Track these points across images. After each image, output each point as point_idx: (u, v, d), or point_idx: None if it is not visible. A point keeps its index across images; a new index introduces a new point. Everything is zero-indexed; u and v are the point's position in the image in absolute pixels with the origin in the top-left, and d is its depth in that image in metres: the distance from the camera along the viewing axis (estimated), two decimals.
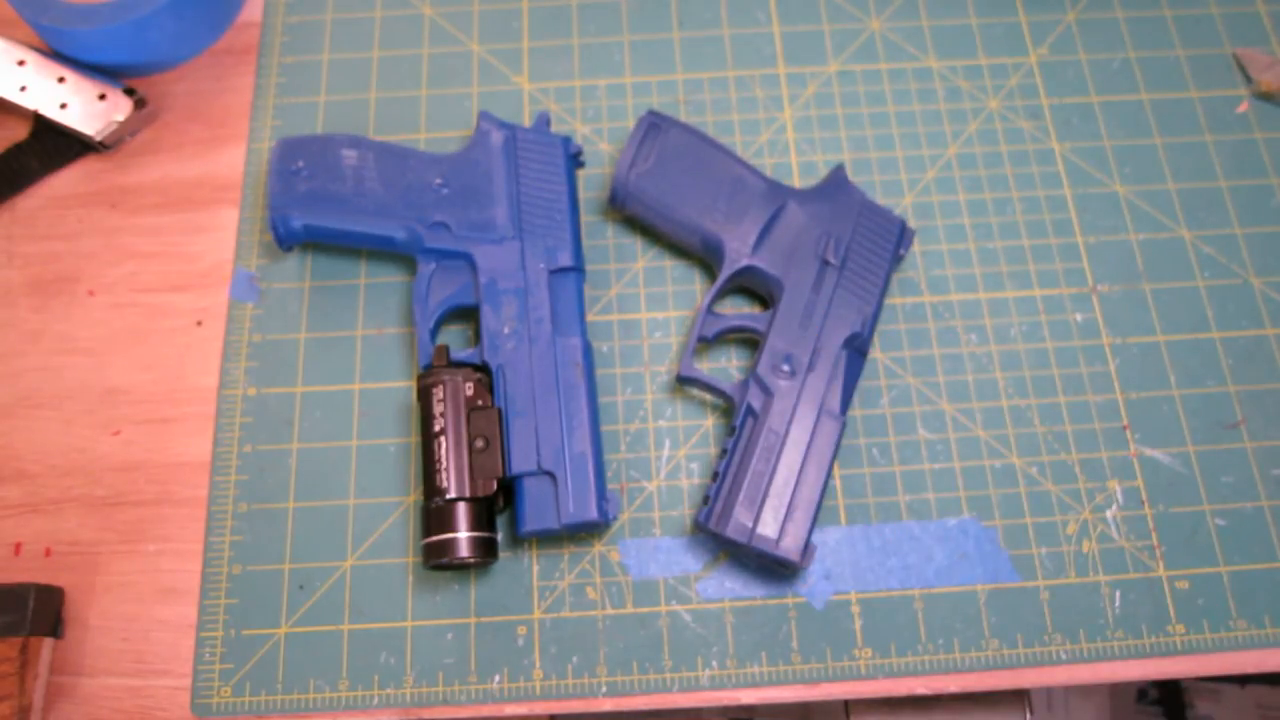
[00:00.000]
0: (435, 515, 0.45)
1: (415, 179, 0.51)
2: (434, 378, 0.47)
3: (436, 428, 0.46)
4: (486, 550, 0.45)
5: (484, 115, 0.53)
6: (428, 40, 0.60)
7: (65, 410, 0.52)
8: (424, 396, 0.47)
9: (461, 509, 0.45)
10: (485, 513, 0.46)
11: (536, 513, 0.45)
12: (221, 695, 0.46)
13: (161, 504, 0.50)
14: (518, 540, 0.48)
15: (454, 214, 0.51)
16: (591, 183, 0.56)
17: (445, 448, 0.46)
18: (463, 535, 0.45)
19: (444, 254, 0.50)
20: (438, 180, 0.51)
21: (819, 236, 0.50)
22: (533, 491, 0.46)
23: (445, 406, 0.46)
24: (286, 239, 0.51)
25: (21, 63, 0.57)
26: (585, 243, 0.54)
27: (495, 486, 0.46)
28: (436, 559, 0.45)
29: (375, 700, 0.46)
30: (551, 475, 0.46)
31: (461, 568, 0.47)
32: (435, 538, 0.45)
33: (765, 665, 0.46)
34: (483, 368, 0.48)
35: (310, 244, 0.54)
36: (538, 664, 0.46)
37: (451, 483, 0.45)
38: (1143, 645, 0.46)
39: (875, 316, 0.50)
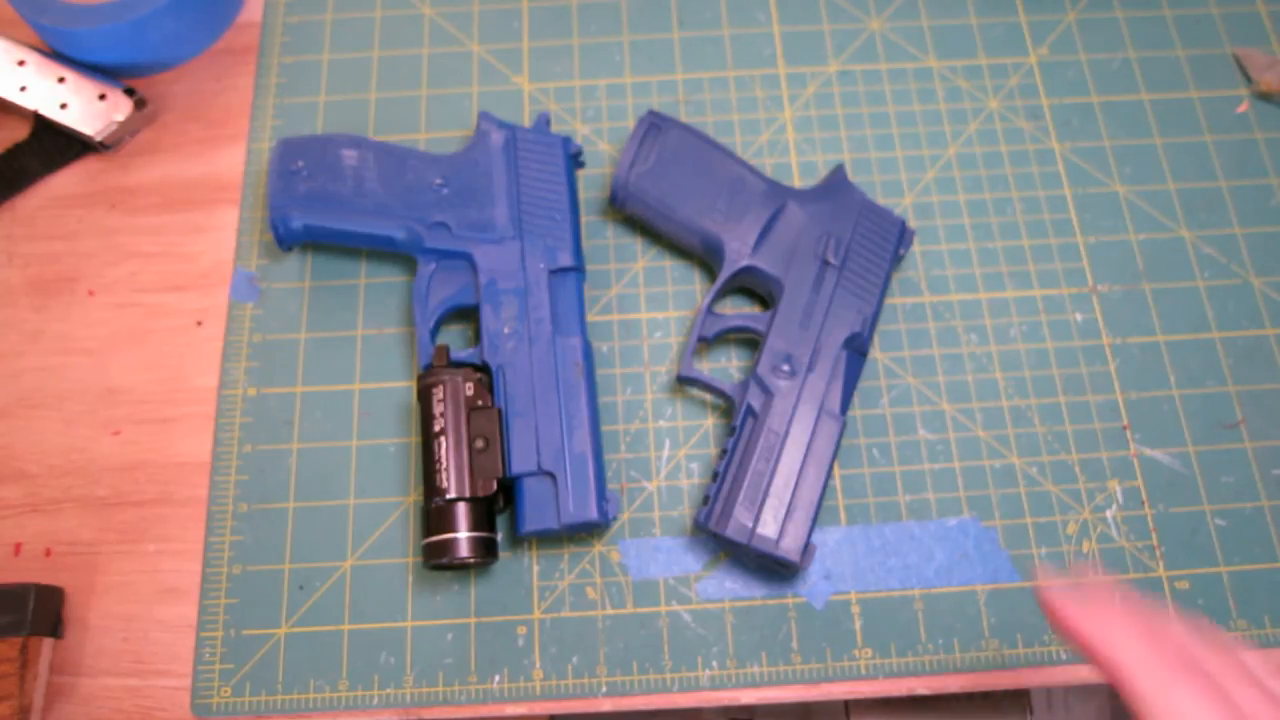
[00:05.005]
0: (435, 515, 0.45)
1: (415, 179, 0.51)
2: (434, 378, 0.47)
3: (436, 428, 0.46)
4: (486, 550, 0.45)
5: (484, 115, 0.53)
6: (428, 40, 0.60)
7: (65, 410, 0.52)
8: (424, 396, 0.47)
9: (461, 509, 0.45)
10: (485, 513, 0.46)
11: (536, 513, 0.45)
12: (221, 695, 0.46)
13: (161, 504, 0.50)
14: (518, 540, 0.48)
15: (454, 214, 0.51)
16: (591, 183, 0.56)
17: (445, 448, 0.46)
18: (463, 535, 0.45)
19: (444, 254, 0.50)
20: (438, 180, 0.51)
21: (819, 236, 0.50)
22: (533, 491, 0.46)
23: (445, 406, 0.46)
24: (286, 239, 0.51)
25: (21, 63, 0.57)
26: (585, 243, 0.54)
27: (495, 486, 0.46)
28: (436, 559, 0.45)
29: (375, 700, 0.46)
30: (551, 475, 0.46)
31: (461, 568, 0.47)
32: (435, 538, 0.45)
33: (765, 665, 0.46)
34: (483, 368, 0.48)
35: (310, 244, 0.54)
36: (538, 664, 0.46)
37: (451, 483, 0.45)
38: None
39: (875, 317, 0.50)
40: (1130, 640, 0.32)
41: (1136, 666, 0.32)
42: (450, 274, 0.51)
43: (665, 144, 0.52)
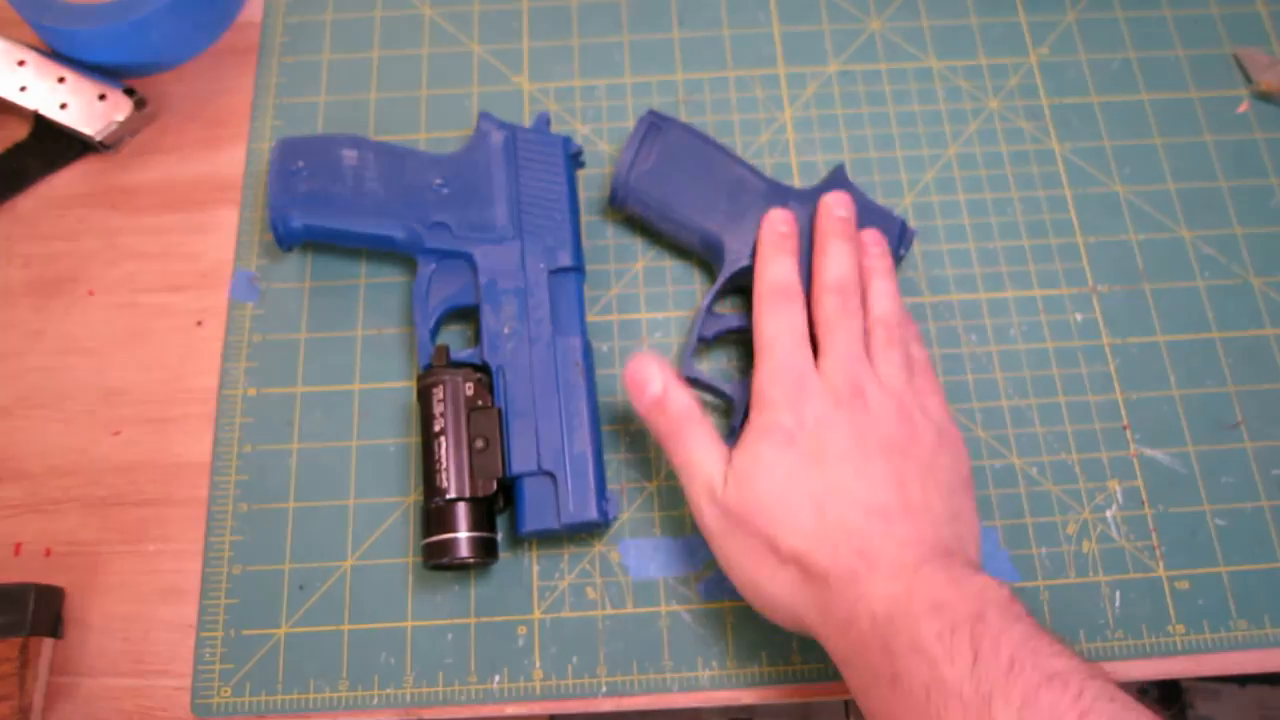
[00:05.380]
0: (435, 515, 0.45)
1: (415, 179, 0.51)
2: (434, 378, 0.47)
3: (436, 428, 0.46)
4: (486, 550, 0.45)
5: (484, 115, 0.53)
6: (428, 40, 0.60)
7: (65, 410, 0.52)
8: (424, 396, 0.47)
9: (461, 509, 0.45)
10: (485, 513, 0.46)
11: (536, 513, 0.45)
12: (222, 695, 0.46)
13: (161, 504, 0.50)
14: (518, 540, 0.48)
15: (454, 214, 0.51)
16: (591, 183, 0.56)
17: (445, 448, 0.46)
18: (463, 535, 0.45)
19: (444, 254, 0.50)
20: (438, 180, 0.51)
21: None
22: (533, 491, 0.46)
23: (445, 406, 0.46)
24: (286, 239, 0.51)
25: (21, 63, 0.57)
26: (585, 243, 0.54)
27: (495, 486, 0.46)
28: (436, 559, 0.45)
29: (375, 700, 0.46)
30: (551, 475, 0.46)
31: (461, 568, 0.47)
32: (435, 538, 0.45)
33: (765, 665, 0.46)
34: (483, 368, 0.48)
35: (310, 244, 0.54)
36: (538, 664, 0.46)
37: (451, 483, 0.45)
38: (1143, 645, 0.46)
39: None
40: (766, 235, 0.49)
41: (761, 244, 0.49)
42: (450, 274, 0.51)
43: (666, 144, 0.52)
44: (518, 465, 0.46)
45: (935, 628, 0.34)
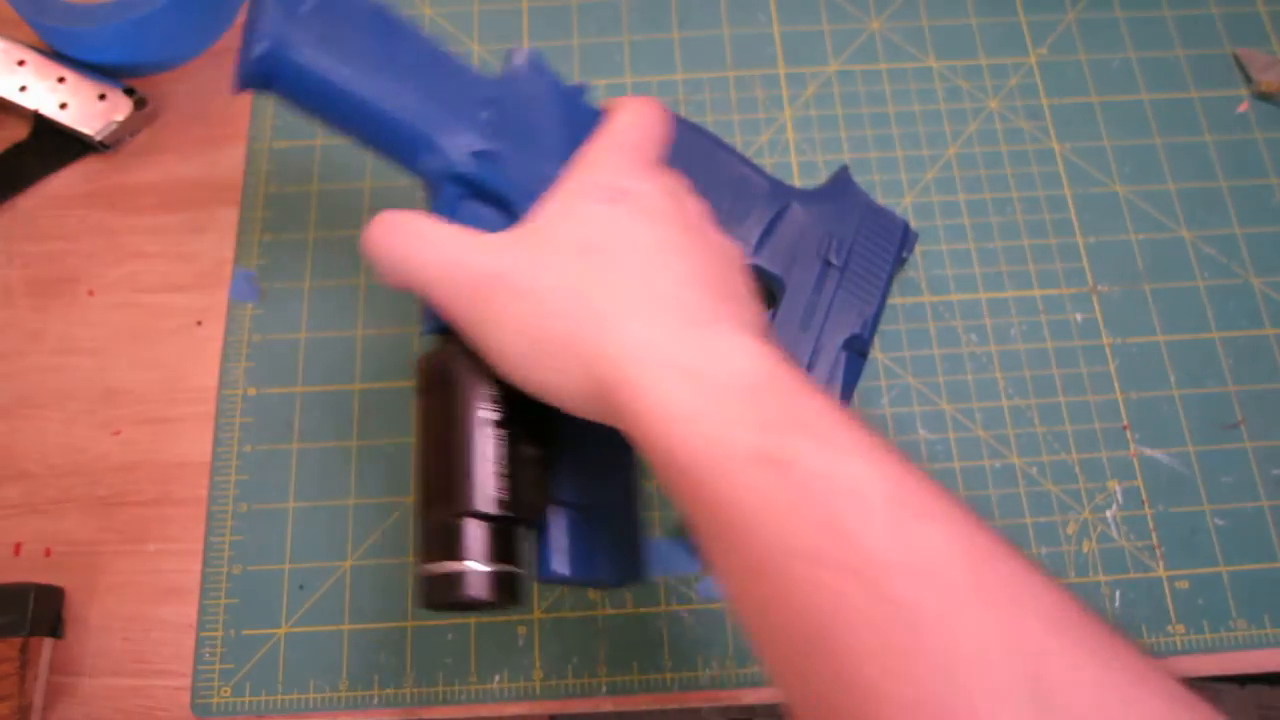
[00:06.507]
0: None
1: (456, 91, 0.39)
2: None
3: None
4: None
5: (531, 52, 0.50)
6: None
7: (65, 410, 0.52)
8: None
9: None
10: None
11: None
12: (221, 695, 0.46)
13: (161, 504, 0.50)
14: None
15: (505, 148, 0.40)
16: None
17: None
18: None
19: (478, 191, 0.39)
20: (484, 114, 0.40)
21: (822, 237, 0.50)
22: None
23: None
24: (270, 78, 0.37)
25: (21, 63, 0.57)
26: None
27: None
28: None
29: (375, 700, 0.46)
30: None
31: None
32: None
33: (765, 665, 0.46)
34: None
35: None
36: (538, 664, 0.46)
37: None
38: (1142, 645, 0.46)
39: (876, 318, 0.50)
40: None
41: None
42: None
43: (669, 142, 0.52)
44: None
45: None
